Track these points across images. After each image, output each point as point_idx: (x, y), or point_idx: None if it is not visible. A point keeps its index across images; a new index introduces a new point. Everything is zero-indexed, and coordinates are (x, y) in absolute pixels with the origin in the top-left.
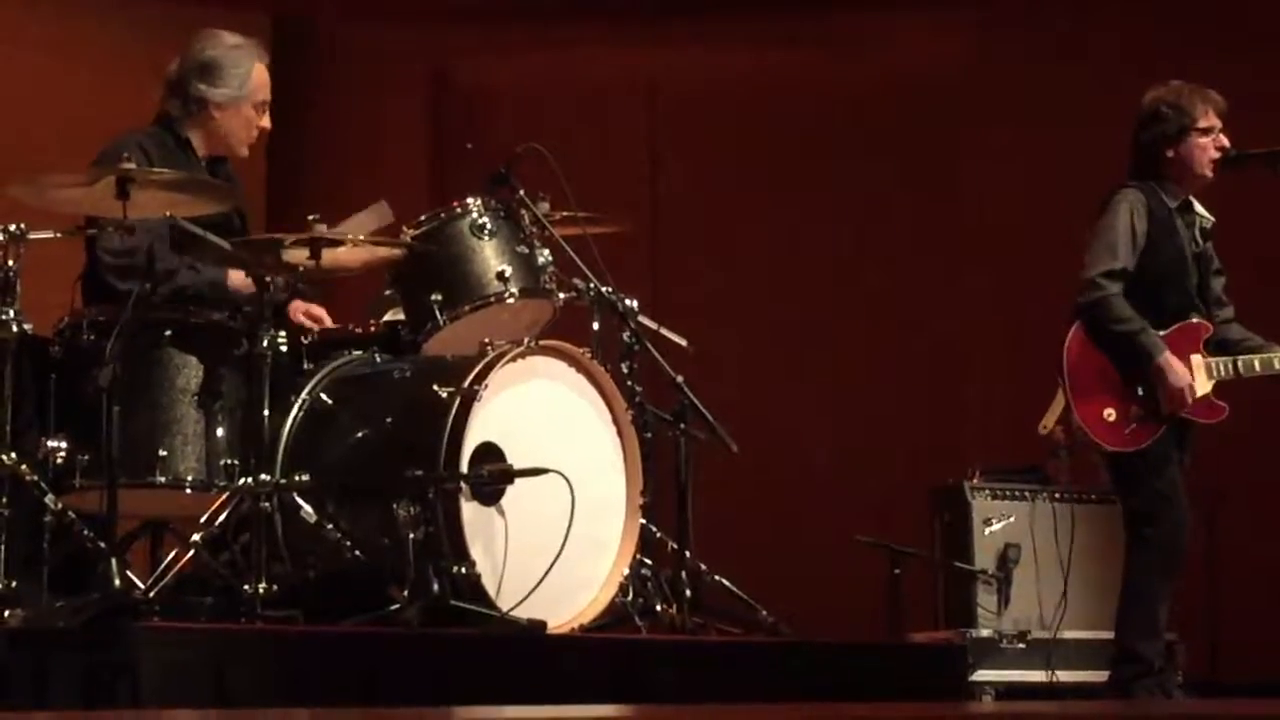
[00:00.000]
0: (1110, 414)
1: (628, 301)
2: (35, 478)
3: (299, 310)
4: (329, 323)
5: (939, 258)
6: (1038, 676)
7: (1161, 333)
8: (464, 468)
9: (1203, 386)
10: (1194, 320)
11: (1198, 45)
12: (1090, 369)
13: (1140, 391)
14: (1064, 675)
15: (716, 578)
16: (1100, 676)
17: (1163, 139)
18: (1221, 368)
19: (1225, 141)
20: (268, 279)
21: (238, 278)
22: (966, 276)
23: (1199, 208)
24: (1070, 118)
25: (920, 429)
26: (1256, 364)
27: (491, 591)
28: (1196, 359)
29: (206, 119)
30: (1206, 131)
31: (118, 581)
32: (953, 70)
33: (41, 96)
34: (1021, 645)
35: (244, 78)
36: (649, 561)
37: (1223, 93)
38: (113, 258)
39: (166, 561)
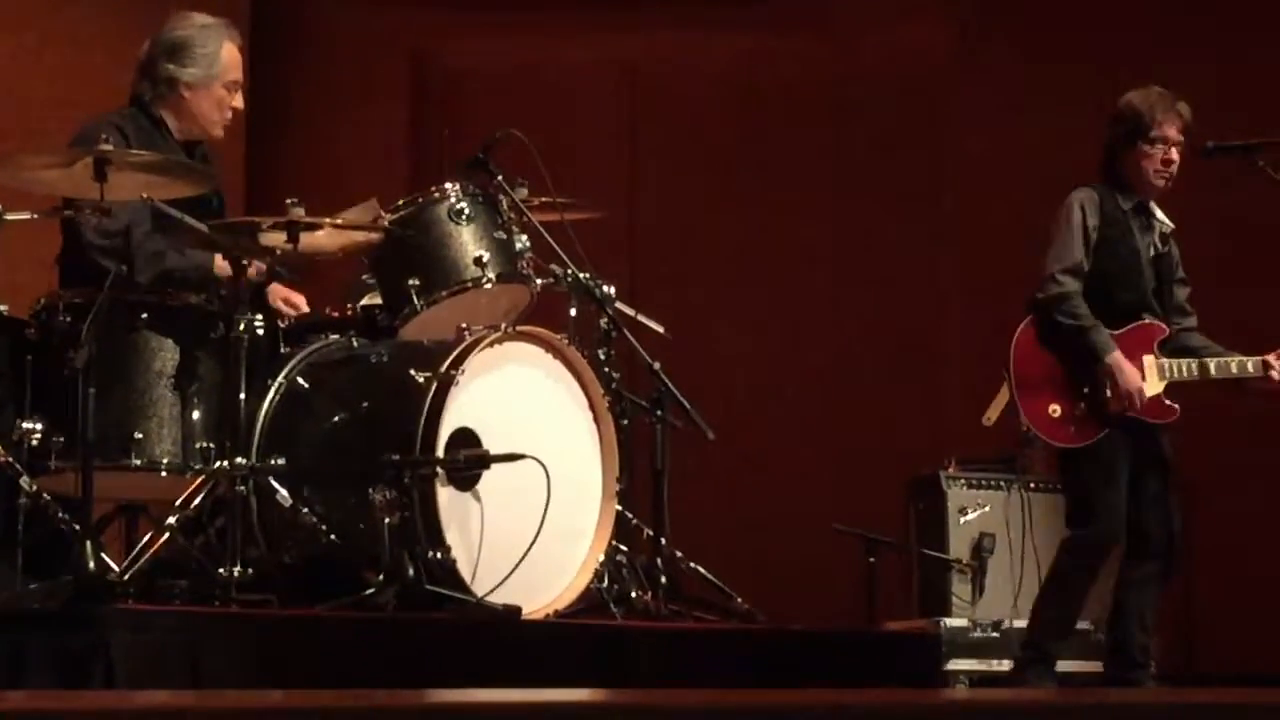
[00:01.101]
0: (1055, 410)
1: (605, 288)
2: (10, 459)
3: (277, 295)
4: (305, 309)
5: (917, 247)
6: (1009, 665)
7: (1115, 332)
8: (440, 453)
9: (1154, 387)
10: (1147, 321)
11: (1185, 44)
12: (1038, 365)
13: (1086, 390)
14: None
15: (692, 565)
16: (1073, 666)
17: (1117, 142)
18: (1176, 369)
19: (1175, 156)
20: (247, 261)
21: (224, 263)
22: (945, 266)
23: (1159, 214)
24: (1056, 106)
25: (897, 418)
26: (1212, 367)
27: (467, 577)
28: (1149, 360)
29: (177, 100)
30: (1156, 141)
31: (92, 564)
32: (934, 55)
33: (14, 77)
34: (995, 634)
35: (213, 57)
36: (625, 548)
37: (1206, 89)
38: (101, 238)
39: (142, 544)
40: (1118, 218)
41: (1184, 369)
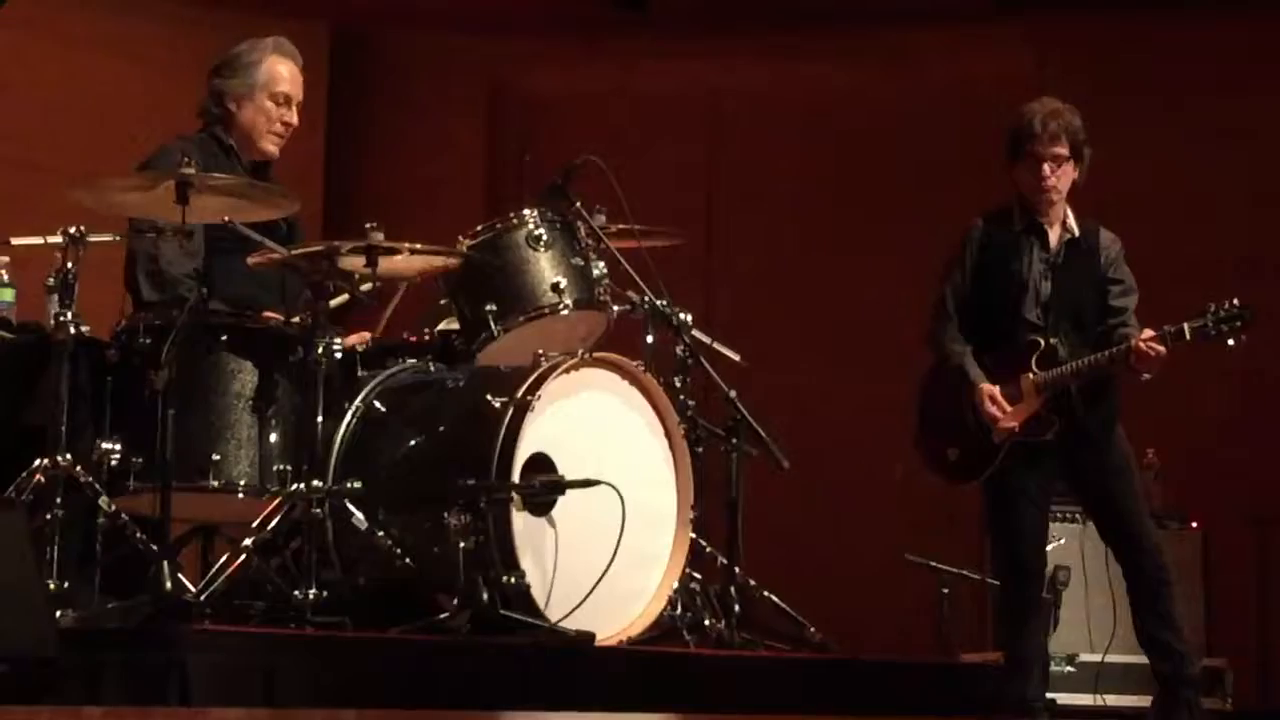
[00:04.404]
0: (953, 453)
1: (682, 315)
2: (89, 479)
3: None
4: (371, 337)
5: None
6: (1085, 699)
7: (994, 355)
8: (516, 478)
9: (1031, 405)
10: (1027, 339)
11: (1252, 77)
12: (939, 406)
13: (974, 420)
14: (1111, 699)
15: (765, 593)
16: (1148, 701)
17: (1008, 159)
18: (1050, 380)
19: (1048, 171)
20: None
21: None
22: None
23: (1071, 222)
24: (1124, 137)
25: None
26: (1083, 364)
27: (540, 602)
28: (1026, 378)
29: (228, 115)
30: (1035, 156)
31: (169, 584)
32: (1012, 85)
33: (100, 102)
34: (1070, 668)
35: (255, 67)
36: (698, 576)
37: (1273, 124)
38: (167, 266)
39: (218, 565)
40: (1004, 242)
41: (1057, 376)
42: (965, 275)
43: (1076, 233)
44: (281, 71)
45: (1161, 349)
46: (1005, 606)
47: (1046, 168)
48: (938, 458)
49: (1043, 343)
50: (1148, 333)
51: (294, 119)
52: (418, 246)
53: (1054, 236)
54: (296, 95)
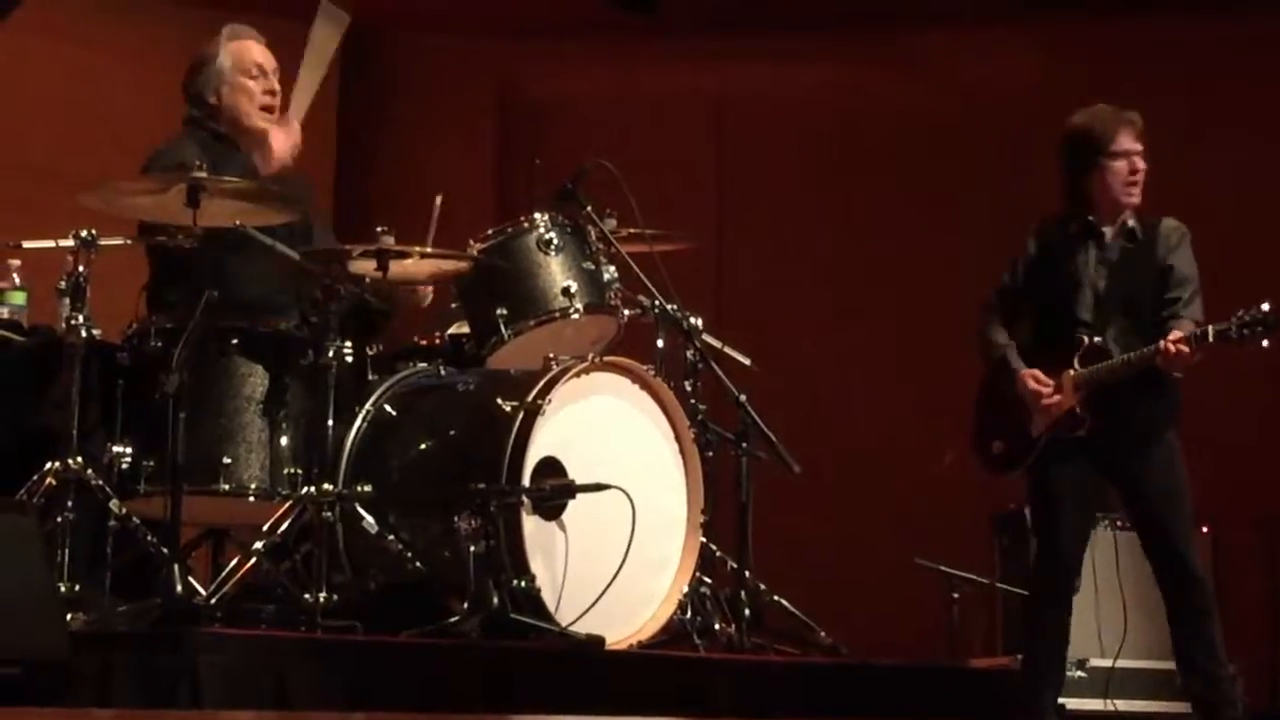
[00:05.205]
0: (997, 445)
1: (692, 319)
2: (100, 482)
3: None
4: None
5: None
6: (1096, 705)
7: (1044, 353)
8: (526, 482)
9: (1068, 400)
10: (1074, 336)
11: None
12: (987, 402)
13: (1015, 412)
14: (1122, 704)
15: (776, 598)
16: (1159, 706)
17: (1078, 165)
18: (1087, 376)
19: (1140, 164)
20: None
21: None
22: None
23: (1128, 218)
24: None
25: None
26: (1119, 363)
27: (551, 606)
28: (1067, 374)
29: (213, 110)
30: (1119, 155)
31: (180, 587)
32: (1020, 87)
33: (111, 106)
34: (1081, 673)
35: (216, 57)
36: (708, 580)
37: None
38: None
39: (229, 569)
40: (1058, 244)
41: (1093, 373)
42: (1017, 276)
43: (1134, 227)
44: (245, 46)
45: (1186, 350)
46: (1027, 604)
47: (1137, 160)
48: (985, 452)
49: (1087, 340)
50: (1175, 334)
51: (275, 86)
52: (428, 250)
53: (1110, 234)
54: (269, 63)
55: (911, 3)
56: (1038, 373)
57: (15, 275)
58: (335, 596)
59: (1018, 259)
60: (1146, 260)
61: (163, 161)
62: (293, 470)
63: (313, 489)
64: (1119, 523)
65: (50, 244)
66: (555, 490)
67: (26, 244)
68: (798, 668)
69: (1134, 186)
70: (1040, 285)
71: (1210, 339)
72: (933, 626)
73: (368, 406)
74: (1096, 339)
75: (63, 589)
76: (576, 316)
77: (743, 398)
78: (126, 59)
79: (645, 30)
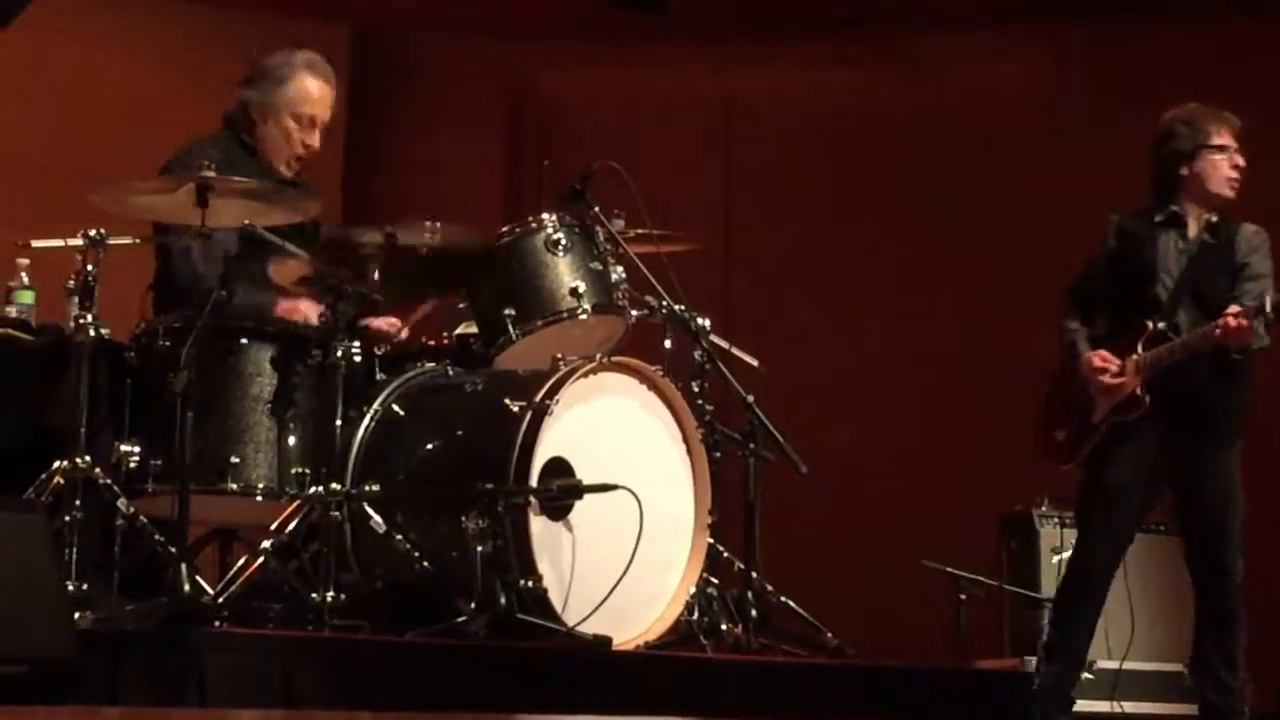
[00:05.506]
0: (1061, 433)
1: (700, 320)
2: (108, 481)
3: (375, 320)
4: (403, 329)
5: (1010, 283)
6: (1103, 707)
7: (1116, 340)
8: (533, 482)
9: (1131, 383)
10: (1140, 323)
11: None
12: (1055, 390)
13: (1079, 399)
14: (1130, 706)
15: (783, 599)
16: (1166, 709)
17: (1177, 156)
18: (1149, 358)
19: (1240, 160)
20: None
21: (289, 306)
22: (1038, 299)
23: (1214, 219)
24: (1148, 142)
25: (991, 454)
26: (1179, 344)
27: (558, 606)
28: (1132, 358)
29: (251, 125)
30: (1220, 149)
31: (187, 586)
32: (1025, 90)
33: (120, 104)
34: (1087, 675)
35: (283, 83)
36: (715, 581)
37: None
38: (202, 266)
39: (236, 568)
40: (1139, 233)
41: (1155, 355)
42: (1097, 265)
43: (1218, 224)
44: (310, 89)
45: (1244, 323)
46: (1058, 598)
47: (1237, 156)
48: (1050, 441)
49: (1151, 325)
50: (1234, 308)
51: (315, 142)
52: (438, 225)
53: (1194, 228)
54: (322, 116)
55: (919, 6)
56: (1104, 352)
57: (24, 274)
58: (343, 596)
59: (1098, 251)
60: (1225, 257)
61: (184, 160)
62: (300, 469)
63: (320, 488)
64: None
65: (59, 243)
66: (562, 490)
67: (35, 243)
68: (804, 669)
69: (1234, 181)
70: (1118, 274)
71: (1269, 309)
72: (940, 628)
73: (375, 406)
74: (1161, 324)
75: (70, 588)
76: (584, 317)
77: (750, 398)
78: (134, 56)
79: (654, 32)
